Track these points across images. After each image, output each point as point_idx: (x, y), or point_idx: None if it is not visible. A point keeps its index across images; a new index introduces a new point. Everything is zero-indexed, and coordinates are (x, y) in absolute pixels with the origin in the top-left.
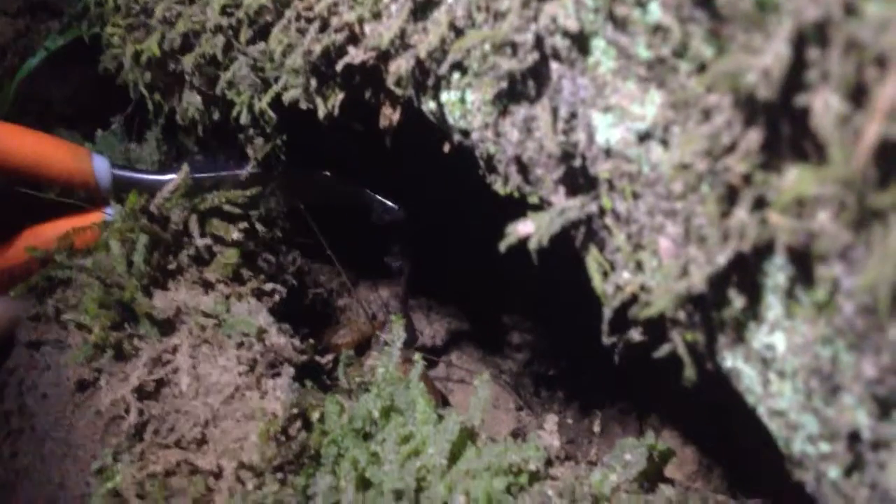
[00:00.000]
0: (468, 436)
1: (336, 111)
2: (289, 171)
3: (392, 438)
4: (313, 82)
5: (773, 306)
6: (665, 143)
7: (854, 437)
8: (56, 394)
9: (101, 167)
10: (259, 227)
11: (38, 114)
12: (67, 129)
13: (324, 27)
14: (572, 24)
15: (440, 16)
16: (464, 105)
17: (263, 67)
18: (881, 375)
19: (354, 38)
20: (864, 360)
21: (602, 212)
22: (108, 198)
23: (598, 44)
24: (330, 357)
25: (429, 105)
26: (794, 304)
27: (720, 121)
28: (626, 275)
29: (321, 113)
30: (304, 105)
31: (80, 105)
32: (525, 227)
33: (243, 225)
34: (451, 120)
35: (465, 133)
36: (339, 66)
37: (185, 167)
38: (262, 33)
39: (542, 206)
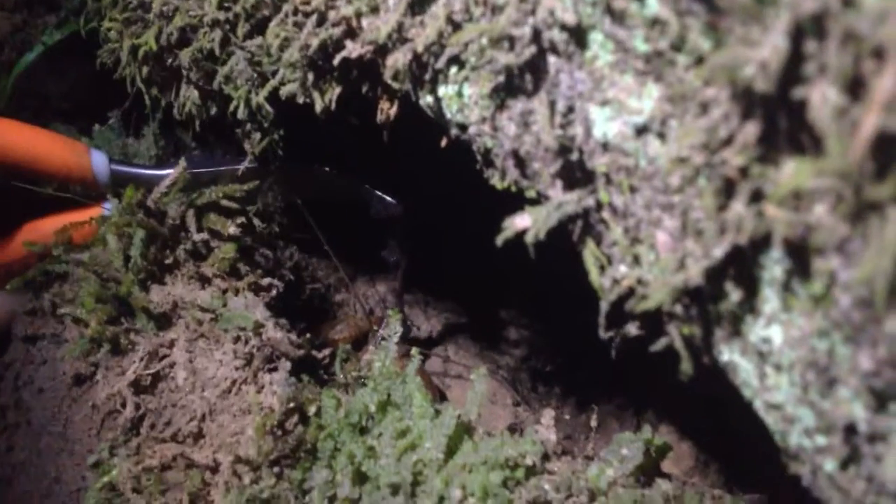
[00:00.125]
0: (465, 430)
1: (333, 105)
2: (286, 166)
3: (388, 433)
4: (310, 76)
5: (769, 299)
6: (662, 136)
7: (850, 430)
8: (52, 388)
9: (99, 162)
10: (256, 221)
11: (36, 109)
12: (65, 123)
13: (321, 21)
14: (570, 18)
15: (438, 10)
16: (461, 99)
17: (261, 62)
18: (878, 368)
19: (352, 33)
20: (861, 353)
21: (599, 205)
22: (106, 193)
23: (595, 37)
24: (327, 352)
25: (426, 99)
26: (790, 297)
27: (717, 114)
28: (623, 268)
29: (318, 107)
30: (301, 99)
31: (78, 100)
32: (522, 221)
33: (240, 220)
34: (448, 114)
35: (463, 127)
36: (336, 61)
37: (183, 162)
38: (260, 28)
39: (539, 200)
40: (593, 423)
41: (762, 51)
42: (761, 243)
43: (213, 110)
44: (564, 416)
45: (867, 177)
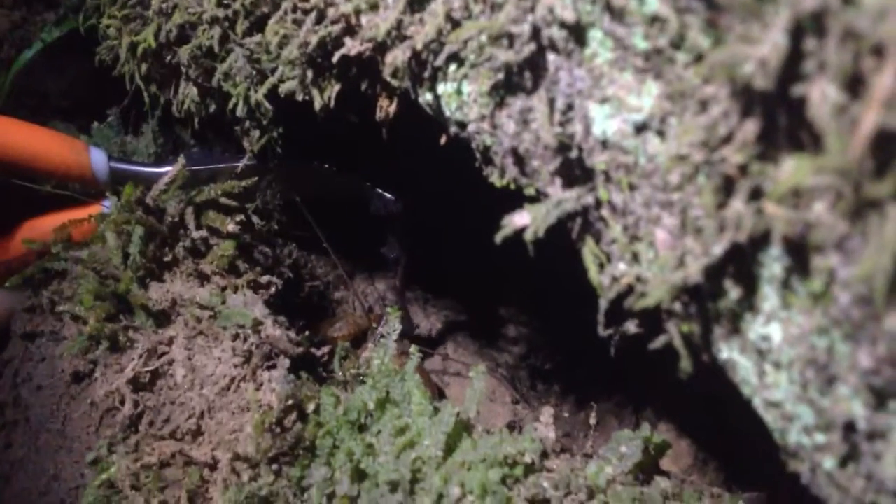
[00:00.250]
0: (464, 428)
1: (332, 103)
2: (285, 164)
3: (387, 430)
4: (309, 74)
5: (769, 297)
6: (662, 134)
7: (849, 428)
8: (51, 385)
9: (98, 160)
10: (255, 219)
11: (34, 106)
12: (64, 121)
13: (320, 18)
14: (569, 15)
15: (437, 7)
16: (460, 97)
17: (260, 59)
18: (877, 366)
19: (351, 30)
20: (860, 351)
21: (598, 203)
22: (105, 190)
23: (595, 35)
24: (326, 349)
25: (425, 97)
26: (790, 294)
27: (717, 111)
28: (622, 266)
29: (317, 104)
30: (300, 97)
31: (77, 97)
32: (521, 219)
33: (239, 217)
34: (447, 112)
35: (462, 125)
36: (335, 58)
37: (182, 159)
38: (259, 25)
39: (538, 197)
40: (592, 421)
41: (762, 48)
42: (761, 241)
43: (212, 107)
44: (563, 414)
45: (866, 174)
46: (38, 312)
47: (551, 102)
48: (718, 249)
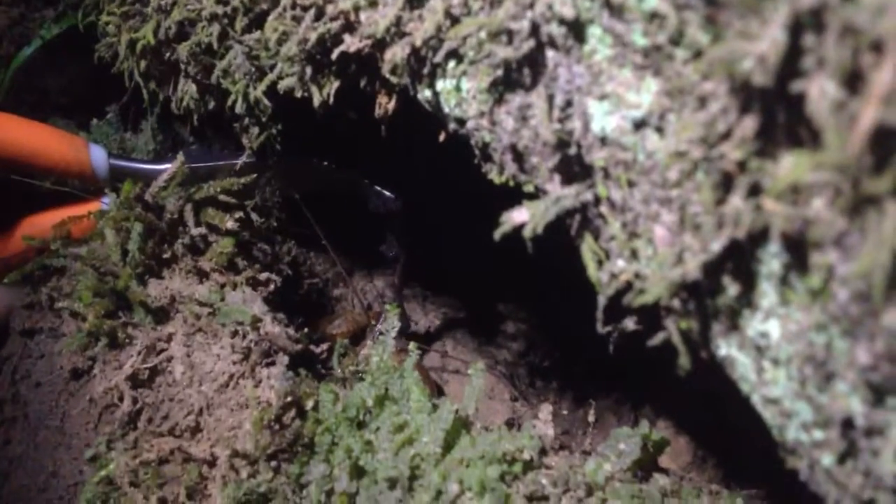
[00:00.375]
0: (462, 425)
1: (331, 100)
2: (284, 161)
3: (386, 427)
4: (309, 71)
5: (767, 294)
6: (661, 130)
7: (848, 425)
8: (50, 382)
9: (97, 156)
10: (254, 216)
11: (34, 103)
12: (63, 118)
13: (319, 15)
14: (568, 12)
15: (436, 3)
16: (459, 93)
17: (259, 56)
18: (875, 362)
19: (350, 27)
20: (859, 347)
21: (597, 200)
22: (104, 187)
23: (594, 31)
24: (325, 346)
25: (424, 93)
26: (788, 291)
27: (716, 108)
28: (620, 263)
29: (316, 101)
30: (299, 93)
31: (76, 94)
32: (520, 216)
33: (238, 214)
34: (446, 108)
35: (461, 121)
36: (334, 55)
37: (181, 156)
38: (258, 22)
39: (537, 194)
40: (591, 418)
41: (761, 44)
42: (759, 237)
43: (212, 104)
44: (562, 411)
45: (865, 170)
46: (37, 309)
47: (550, 99)
48: (717, 246)
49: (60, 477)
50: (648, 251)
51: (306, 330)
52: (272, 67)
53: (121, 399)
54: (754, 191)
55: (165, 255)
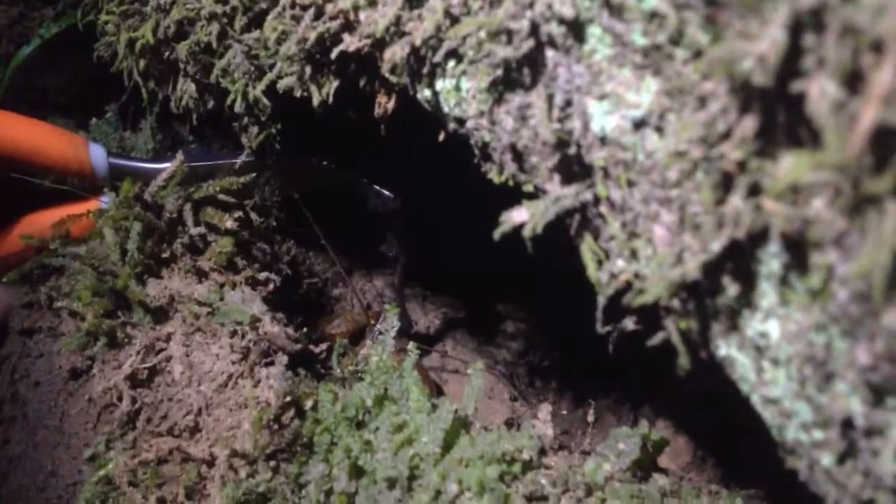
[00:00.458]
0: (462, 425)
1: (331, 99)
2: (283, 160)
3: (385, 427)
4: (308, 70)
5: (767, 294)
6: (660, 130)
7: (847, 425)
8: (49, 381)
9: (97, 155)
10: (253, 215)
11: (33, 102)
12: (62, 117)
13: (318, 14)
14: (568, 12)
15: (435, 3)
16: (459, 93)
17: (258, 55)
18: (875, 362)
19: (349, 26)
20: (858, 347)
21: (597, 200)
22: (103, 186)
23: (593, 31)
24: (324, 346)
25: (424, 93)
26: (788, 291)
27: (716, 108)
28: (620, 263)
29: (316, 101)
30: (298, 93)
31: (75, 93)
32: (520, 215)
33: (238, 214)
34: (446, 108)
35: (461, 121)
36: (333, 54)
37: (180, 156)
38: (257, 21)
39: (536, 194)
40: (590, 418)
41: (761, 44)
42: (759, 237)
43: (211, 104)
44: (561, 411)
45: (865, 170)
46: (35, 308)
47: (550, 99)
48: (717, 246)
49: (59, 476)
50: (648, 251)
51: (305, 330)
52: (271, 67)
53: (120, 399)
54: (754, 191)
55: (164, 255)
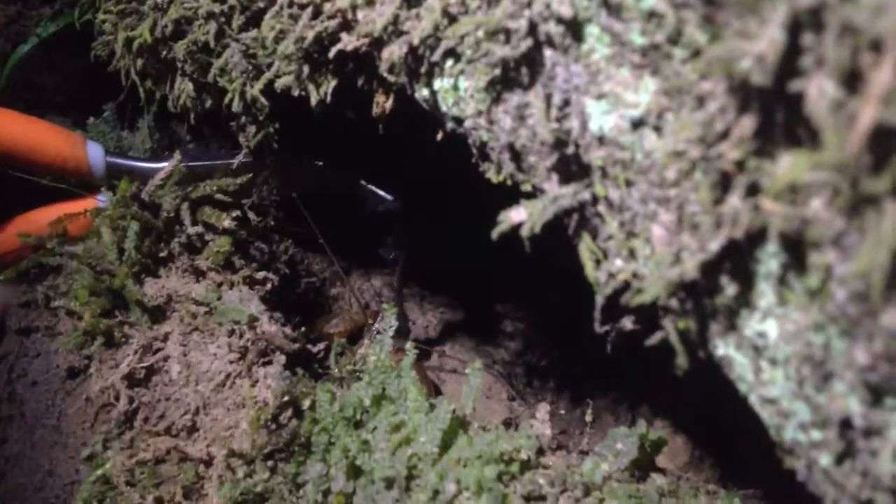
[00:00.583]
0: (460, 424)
1: (328, 98)
2: (281, 160)
3: (383, 426)
4: (306, 69)
5: (765, 293)
6: (659, 130)
7: (846, 425)
8: (46, 381)
9: (94, 153)
10: (251, 215)
11: (30, 101)
12: (59, 116)
13: (316, 14)
14: (566, 11)
15: (433, 2)
16: (457, 92)
17: (256, 54)
18: (873, 362)
19: (347, 25)
20: (857, 347)
21: (595, 199)
22: (101, 184)
23: (592, 30)
24: (322, 346)
25: (422, 92)
26: (786, 291)
27: (714, 107)
28: (618, 262)
29: (313, 100)
30: (296, 92)
31: (72, 92)
32: (517, 215)
33: (235, 213)
34: (444, 107)
35: (459, 120)
36: (331, 53)
37: (178, 155)
38: (255, 20)
39: (534, 193)
40: (588, 418)
41: (759, 44)
42: (757, 237)
43: (208, 103)
44: (559, 411)
45: (864, 170)
46: (33, 307)
47: (548, 98)
48: (715, 246)
49: (57, 476)
50: (646, 251)
51: (303, 329)
52: (269, 66)
53: (117, 398)
54: (752, 190)
55: (162, 254)
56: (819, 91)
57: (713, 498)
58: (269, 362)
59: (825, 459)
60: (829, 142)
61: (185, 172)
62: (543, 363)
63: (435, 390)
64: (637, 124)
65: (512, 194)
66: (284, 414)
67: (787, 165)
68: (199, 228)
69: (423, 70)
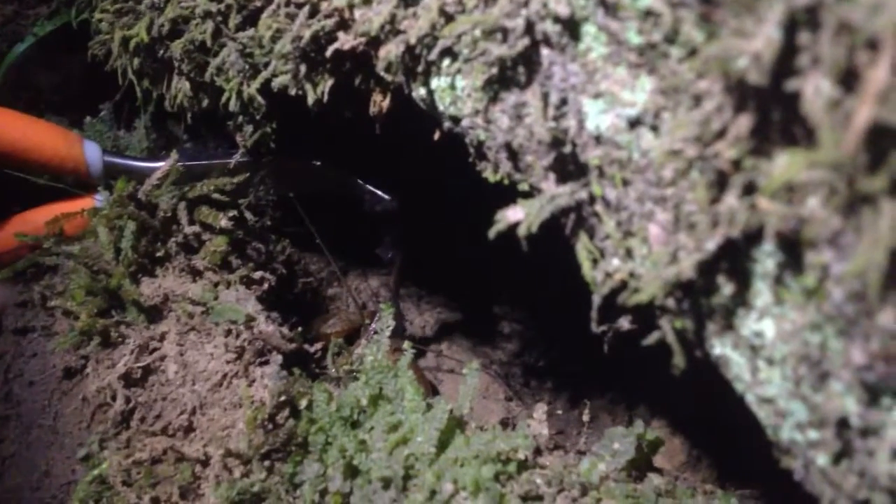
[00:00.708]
0: (457, 424)
1: (326, 98)
2: (278, 159)
3: (380, 426)
4: (303, 68)
5: (762, 293)
6: (655, 129)
7: (842, 425)
8: (42, 381)
9: (92, 153)
10: (248, 215)
11: (27, 100)
12: (56, 115)
13: (313, 13)
14: (563, 10)
15: (430, 1)
16: (454, 91)
17: (253, 53)
18: (870, 362)
19: (344, 24)
20: (853, 347)
21: (592, 199)
22: (98, 184)
23: (588, 29)
24: (319, 346)
25: (419, 91)
26: (783, 290)
27: (710, 106)
28: (615, 262)
29: (310, 99)
30: (293, 91)
31: (69, 92)
32: (515, 214)
33: (232, 213)
34: (441, 106)
35: (456, 120)
36: (328, 52)
37: (175, 154)
38: (252, 19)
39: (532, 193)
40: (585, 418)
41: (755, 42)
42: (754, 236)
43: (205, 102)
44: (557, 411)
45: (860, 169)
46: (29, 307)
47: (545, 97)
48: (711, 245)
49: (53, 476)
50: (643, 250)
51: (300, 329)
52: (266, 65)
53: (114, 398)
54: (749, 189)
55: (159, 254)
56: (815, 90)
57: (710, 498)
58: (266, 362)
59: (822, 459)
60: (826, 141)
61: (182, 172)
62: (541, 363)
63: (432, 390)
64: (634, 123)
65: (509, 194)
66: (281, 414)
67: (784, 164)
68: (196, 228)
69: (420, 69)
